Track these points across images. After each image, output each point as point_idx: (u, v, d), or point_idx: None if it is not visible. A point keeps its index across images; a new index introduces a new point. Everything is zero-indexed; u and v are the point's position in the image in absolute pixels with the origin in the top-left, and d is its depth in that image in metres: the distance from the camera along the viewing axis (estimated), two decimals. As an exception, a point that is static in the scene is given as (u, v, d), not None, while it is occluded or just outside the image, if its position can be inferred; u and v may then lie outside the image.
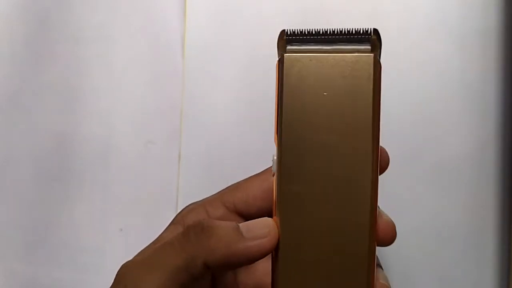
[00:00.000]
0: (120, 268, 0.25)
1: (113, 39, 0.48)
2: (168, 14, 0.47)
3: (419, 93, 0.44)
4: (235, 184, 0.28)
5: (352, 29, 0.24)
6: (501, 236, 0.43)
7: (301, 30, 0.24)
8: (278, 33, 0.25)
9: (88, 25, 0.48)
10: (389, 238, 0.25)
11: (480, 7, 0.44)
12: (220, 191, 0.28)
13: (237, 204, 0.27)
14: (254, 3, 0.46)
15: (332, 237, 0.23)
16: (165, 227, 0.29)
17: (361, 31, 0.24)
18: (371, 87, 0.23)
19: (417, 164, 0.44)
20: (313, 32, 0.24)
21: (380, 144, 0.25)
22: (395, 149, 0.45)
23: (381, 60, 0.24)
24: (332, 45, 0.24)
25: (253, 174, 0.28)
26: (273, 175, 0.24)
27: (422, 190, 0.44)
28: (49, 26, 0.48)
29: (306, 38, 0.24)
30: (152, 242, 0.28)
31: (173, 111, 0.46)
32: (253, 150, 0.44)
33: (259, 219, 0.24)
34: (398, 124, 0.45)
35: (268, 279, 0.27)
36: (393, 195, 0.44)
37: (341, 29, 0.24)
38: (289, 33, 0.24)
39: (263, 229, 0.23)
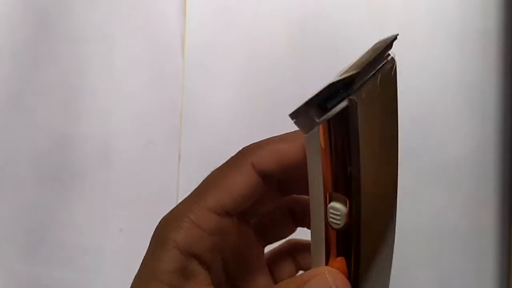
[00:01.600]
0: None
1: (113, 39, 0.48)
2: (168, 14, 0.47)
3: (419, 93, 0.44)
4: (209, 179, 0.25)
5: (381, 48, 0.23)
6: (501, 236, 0.43)
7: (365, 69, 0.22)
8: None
9: (88, 25, 0.48)
10: None
11: (480, 8, 0.44)
12: (195, 192, 0.25)
13: (224, 206, 0.24)
14: (254, 3, 0.46)
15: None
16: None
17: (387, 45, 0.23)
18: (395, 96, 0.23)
19: (417, 164, 0.44)
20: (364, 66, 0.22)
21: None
22: (395, 149, 0.45)
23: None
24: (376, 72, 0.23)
25: (221, 166, 0.25)
26: (335, 230, 0.22)
27: (422, 190, 0.44)
28: (49, 26, 0.48)
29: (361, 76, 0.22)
30: (143, 268, 0.24)
31: (173, 111, 0.46)
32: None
33: (322, 276, 0.21)
34: (399, 124, 0.45)
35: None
36: (393, 195, 0.44)
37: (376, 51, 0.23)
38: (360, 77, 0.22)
39: None
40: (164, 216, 0.25)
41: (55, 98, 0.48)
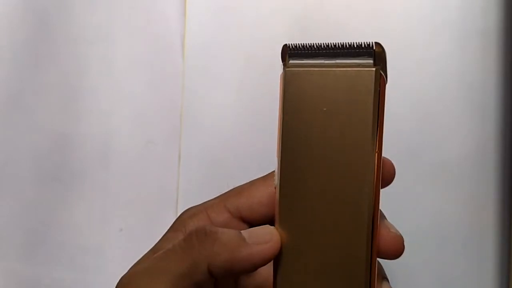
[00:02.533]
0: (120, 279, 0.25)
1: (113, 39, 0.48)
2: (168, 14, 0.47)
3: (419, 93, 0.44)
4: (238, 187, 0.27)
5: (354, 43, 0.24)
6: (501, 236, 0.43)
7: (302, 44, 0.24)
8: (281, 47, 0.25)
9: (88, 25, 0.48)
10: (394, 251, 0.24)
11: (480, 8, 0.44)
12: (222, 194, 0.27)
13: (241, 210, 0.26)
14: (254, 3, 0.46)
15: (332, 247, 0.23)
16: (165, 228, 0.29)
17: (363, 45, 0.24)
18: (372, 101, 0.23)
19: (417, 164, 0.44)
20: (315, 47, 0.24)
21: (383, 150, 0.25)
22: (395, 149, 0.45)
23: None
24: (334, 60, 0.24)
25: (257, 178, 0.28)
26: (275, 188, 0.24)
27: (422, 190, 0.44)
28: (49, 26, 0.48)
29: (308, 52, 0.24)
30: (150, 250, 0.27)
31: (173, 111, 0.46)
32: (253, 150, 0.45)
33: (262, 226, 0.24)
34: (398, 124, 0.45)
35: (268, 284, 0.27)
36: (393, 195, 0.44)
37: (342, 43, 0.24)
38: (291, 47, 0.24)
39: (265, 236, 0.23)
40: (190, 207, 0.27)
41: (55, 98, 0.48)
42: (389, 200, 0.45)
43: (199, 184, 0.45)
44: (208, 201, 0.27)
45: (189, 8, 0.47)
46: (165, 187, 0.46)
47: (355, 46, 0.24)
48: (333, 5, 0.45)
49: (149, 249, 0.28)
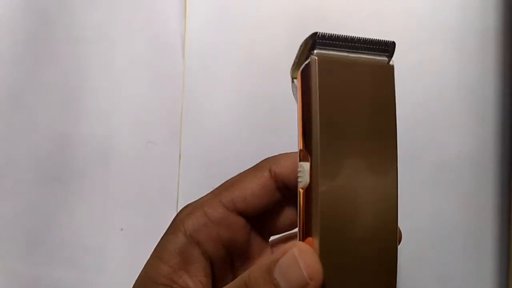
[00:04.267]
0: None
1: (113, 39, 0.48)
2: (168, 14, 0.47)
3: (419, 94, 0.45)
4: (229, 181, 0.27)
5: (374, 39, 0.24)
6: (501, 236, 0.43)
7: (331, 34, 0.24)
8: (309, 34, 0.24)
9: (88, 25, 0.48)
10: None
11: (479, 9, 0.44)
12: (215, 190, 0.27)
13: (236, 203, 0.26)
14: (254, 3, 0.46)
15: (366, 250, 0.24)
16: (165, 227, 0.29)
17: (382, 42, 0.25)
18: (393, 95, 0.25)
19: (417, 164, 0.44)
20: (342, 38, 0.24)
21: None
22: (395, 149, 0.45)
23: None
24: (355, 53, 0.24)
25: (247, 169, 0.28)
26: (302, 189, 0.23)
27: (422, 190, 0.44)
28: (49, 26, 0.48)
29: (334, 43, 0.24)
30: (154, 255, 0.27)
31: (173, 111, 0.46)
32: (253, 150, 0.44)
33: (289, 256, 0.21)
34: (398, 124, 0.45)
35: None
36: (393, 195, 0.44)
37: (364, 38, 0.24)
38: (320, 36, 0.24)
39: (302, 274, 0.21)
40: (185, 206, 0.27)
41: (55, 98, 0.48)
42: (389, 200, 0.45)
43: (199, 184, 0.45)
44: (202, 197, 0.27)
45: (189, 8, 0.47)
46: (165, 187, 0.46)
47: (374, 42, 0.25)
48: (333, 6, 0.45)
49: (149, 249, 0.28)
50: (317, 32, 0.24)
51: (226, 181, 0.28)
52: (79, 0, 0.48)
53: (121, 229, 0.46)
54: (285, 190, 0.27)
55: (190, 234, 0.26)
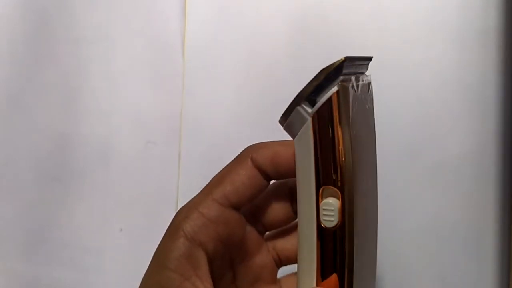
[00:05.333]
0: None
1: (113, 39, 0.48)
2: (168, 14, 0.47)
3: (419, 93, 0.44)
4: (217, 177, 0.28)
5: (362, 58, 0.24)
6: (501, 236, 0.43)
7: (354, 61, 0.22)
8: (338, 62, 0.22)
9: (88, 25, 0.48)
10: None
11: (480, 8, 0.44)
12: (205, 188, 0.28)
13: (229, 197, 0.26)
14: (254, 3, 0.46)
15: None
16: (165, 227, 0.29)
17: (364, 58, 0.24)
18: (373, 111, 0.24)
19: (417, 164, 0.44)
20: (355, 64, 0.23)
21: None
22: (395, 149, 0.45)
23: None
24: (354, 73, 0.23)
25: (230, 162, 0.28)
26: (331, 228, 0.21)
27: (422, 190, 0.44)
28: (49, 26, 0.48)
29: (351, 71, 0.23)
30: (155, 264, 0.26)
31: (173, 111, 0.46)
32: (253, 150, 0.44)
33: None
34: (398, 124, 0.45)
35: (264, 272, 0.27)
36: (393, 195, 0.44)
37: (359, 58, 0.23)
38: (346, 62, 0.22)
39: None
40: (179, 209, 0.27)
41: (55, 98, 0.48)
42: (389, 200, 0.45)
43: (199, 184, 0.45)
44: (195, 198, 0.27)
45: (189, 8, 0.47)
46: (165, 187, 0.46)
47: (365, 60, 0.24)
48: (333, 5, 0.45)
49: (149, 249, 0.28)
50: (347, 57, 0.22)
51: (213, 177, 0.28)
52: (79, 0, 0.48)
53: (121, 229, 0.46)
54: (268, 177, 0.27)
55: (192, 237, 0.26)
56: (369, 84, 0.24)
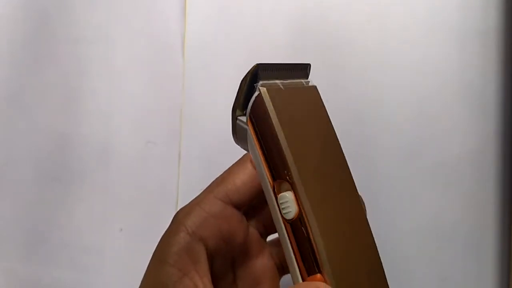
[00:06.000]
0: None
1: (113, 39, 0.48)
2: (168, 14, 0.47)
3: (419, 93, 0.44)
4: (219, 178, 0.28)
5: (295, 64, 0.25)
6: (501, 236, 0.43)
7: (267, 64, 0.24)
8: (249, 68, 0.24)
9: (88, 25, 0.48)
10: None
11: (480, 8, 0.44)
12: (207, 188, 0.28)
13: (230, 195, 0.27)
14: (254, 3, 0.46)
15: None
16: (165, 227, 0.29)
17: (300, 66, 0.26)
18: (325, 110, 0.25)
19: (417, 164, 0.44)
20: (275, 67, 0.25)
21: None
22: (395, 149, 0.45)
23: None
24: (288, 80, 0.25)
25: (232, 165, 0.28)
26: (291, 220, 0.22)
27: (422, 190, 0.44)
28: (49, 26, 0.48)
29: (270, 73, 0.24)
30: (156, 259, 0.26)
31: (173, 111, 0.46)
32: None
33: None
34: (398, 124, 0.45)
35: (265, 276, 0.27)
36: (393, 195, 0.44)
37: (289, 65, 0.25)
38: (261, 67, 0.25)
39: None
40: (181, 208, 0.27)
41: (55, 98, 0.48)
42: (389, 200, 0.45)
43: (199, 184, 0.45)
44: (196, 197, 0.28)
45: (189, 8, 0.47)
46: (165, 187, 0.46)
47: (297, 67, 0.25)
48: (333, 5, 0.45)
49: (149, 249, 0.28)
50: (258, 64, 0.24)
51: (215, 179, 0.28)
52: (79, 0, 0.48)
53: (121, 229, 0.46)
54: None
55: (193, 231, 0.26)
56: (314, 87, 0.26)
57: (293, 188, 0.22)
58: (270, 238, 0.31)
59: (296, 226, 0.22)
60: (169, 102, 0.47)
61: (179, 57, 0.47)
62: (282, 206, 0.23)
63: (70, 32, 0.48)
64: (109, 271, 0.46)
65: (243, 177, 0.27)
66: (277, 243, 0.30)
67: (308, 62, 0.26)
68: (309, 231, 0.22)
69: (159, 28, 0.47)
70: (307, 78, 0.26)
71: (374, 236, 0.26)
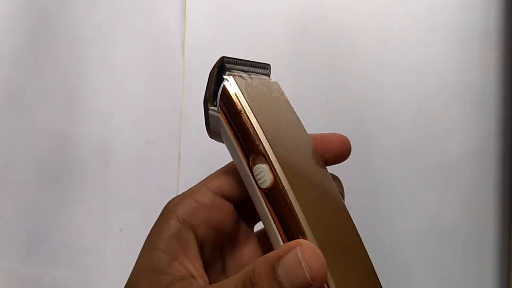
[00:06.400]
0: (130, 279, 0.25)
1: (113, 39, 0.48)
2: (168, 14, 0.47)
3: (420, 94, 0.45)
4: (214, 173, 0.29)
5: (259, 62, 0.27)
6: (501, 236, 0.43)
7: (233, 59, 0.26)
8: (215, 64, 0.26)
9: (88, 25, 0.48)
10: (342, 151, 0.26)
11: (480, 8, 0.44)
12: (201, 181, 0.29)
13: (222, 188, 0.27)
14: (254, 3, 0.46)
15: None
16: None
17: (263, 65, 0.28)
18: (289, 102, 0.27)
19: (417, 164, 0.44)
20: (241, 62, 0.26)
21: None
22: (395, 149, 0.45)
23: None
24: (252, 74, 0.27)
25: (226, 164, 0.29)
26: (267, 189, 0.24)
27: (422, 190, 0.44)
28: (49, 26, 0.48)
29: (236, 67, 0.26)
30: (149, 245, 0.27)
31: (173, 111, 0.46)
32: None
33: (293, 255, 0.22)
34: (398, 124, 0.45)
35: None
36: (393, 195, 0.44)
37: (253, 62, 0.27)
38: (226, 60, 0.26)
39: (305, 276, 0.21)
40: (172, 198, 0.28)
41: (55, 98, 0.48)
42: (389, 200, 0.45)
43: (199, 184, 0.45)
44: (189, 189, 0.28)
45: (189, 8, 0.47)
46: (165, 187, 0.46)
47: (260, 65, 0.28)
48: (332, 5, 0.45)
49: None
50: (223, 57, 0.26)
51: (210, 174, 0.29)
52: (79, 0, 0.48)
53: (121, 229, 0.46)
54: None
55: (183, 219, 0.27)
56: (276, 83, 0.28)
57: (267, 159, 0.24)
58: (256, 229, 0.31)
59: (273, 193, 0.24)
60: (169, 102, 0.47)
61: (179, 57, 0.47)
62: (258, 177, 0.24)
63: (70, 32, 0.48)
64: (109, 271, 0.46)
65: (235, 171, 0.27)
66: (264, 233, 0.30)
67: (268, 63, 0.29)
68: (286, 196, 0.23)
69: (159, 28, 0.47)
70: (269, 76, 0.28)
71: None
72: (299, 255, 0.21)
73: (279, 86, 0.28)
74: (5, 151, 0.48)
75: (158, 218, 0.28)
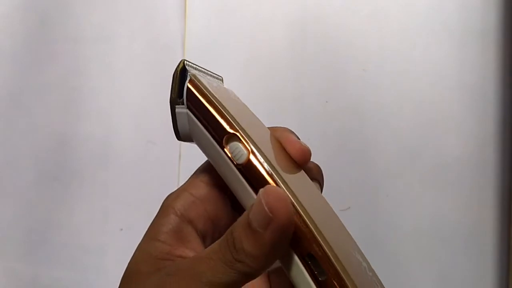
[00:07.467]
0: (125, 274, 0.25)
1: (113, 39, 0.48)
2: (168, 14, 0.47)
3: (420, 94, 0.45)
4: (203, 164, 0.30)
5: (210, 71, 0.29)
6: (501, 236, 0.43)
7: (192, 63, 0.28)
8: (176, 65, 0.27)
9: (88, 25, 0.48)
10: (302, 159, 0.27)
11: (479, 8, 0.44)
12: (193, 174, 0.29)
13: (215, 179, 0.28)
14: (254, 4, 0.46)
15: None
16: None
17: (216, 76, 0.30)
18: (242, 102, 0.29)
19: (417, 164, 0.44)
20: (197, 66, 0.28)
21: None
22: (395, 150, 0.45)
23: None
24: (208, 76, 0.29)
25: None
26: (243, 163, 0.25)
27: (422, 191, 0.44)
28: (49, 26, 0.48)
29: (195, 68, 0.28)
30: (148, 235, 0.27)
31: (173, 111, 0.47)
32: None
33: (257, 197, 0.24)
34: (398, 124, 0.45)
35: None
36: (393, 196, 0.44)
37: (208, 70, 0.29)
38: (187, 62, 0.28)
39: (265, 211, 0.23)
40: (169, 194, 0.29)
41: (55, 98, 0.48)
42: (389, 201, 0.45)
43: (199, 184, 0.45)
44: (184, 183, 0.29)
45: (189, 8, 0.47)
46: (165, 187, 0.46)
47: (212, 74, 0.29)
48: (332, 6, 0.45)
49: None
50: (184, 59, 0.28)
51: (198, 167, 0.30)
52: (79, 0, 0.48)
53: (121, 229, 0.46)
54: None
55: (182, 213, 0.27)
56: (231, 90, 0.30)
57: (239, 136, 0.25)
58: None
59: (250, 167, 0.25)
60: (169, 102, 0.47)
61: (179, 57, 0.47)
62: (234, 154, 0.25)
63: (70, 32, 0.48)
64: (109, 271, 0.46)
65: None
66: None
67: (221, 75, 0.30)
68: (264, 167, 0.24)
69: (159, 28, 0.47)
70: (222, 81, 0.31)
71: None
72: (261, 196, 0.23)
73: (234, 93, 0.29)
74: (5, 151, 0.48)
75: (157, 214, 0.28)
